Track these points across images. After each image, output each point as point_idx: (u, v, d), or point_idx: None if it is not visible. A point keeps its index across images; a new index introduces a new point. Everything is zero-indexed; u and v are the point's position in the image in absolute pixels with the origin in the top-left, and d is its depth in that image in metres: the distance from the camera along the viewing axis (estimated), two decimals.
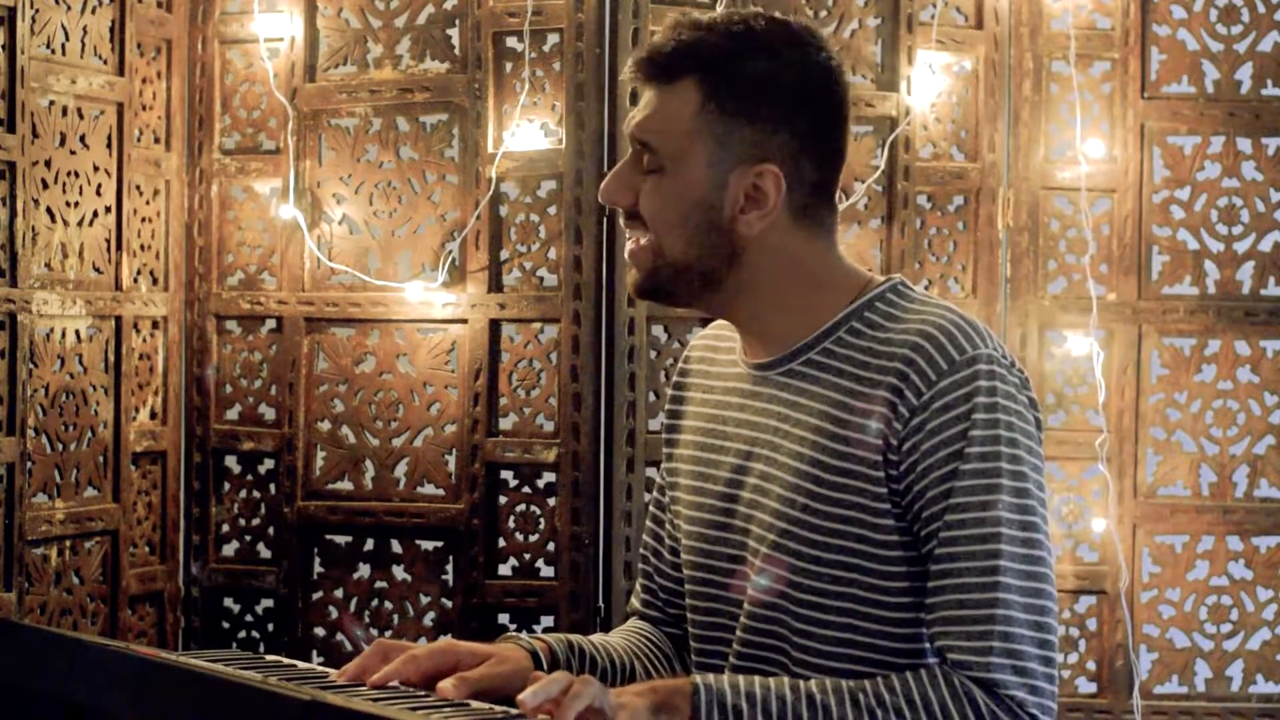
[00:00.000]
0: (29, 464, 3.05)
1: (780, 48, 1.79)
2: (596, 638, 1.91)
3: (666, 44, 1.80)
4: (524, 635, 1.82)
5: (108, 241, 3.29)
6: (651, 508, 2.03)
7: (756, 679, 1.67)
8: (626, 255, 1.84)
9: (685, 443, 1.93)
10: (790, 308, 1.81)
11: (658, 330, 3.37)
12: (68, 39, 3.17)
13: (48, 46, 3.13)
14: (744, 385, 1.86)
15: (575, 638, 1.87)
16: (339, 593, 3.49)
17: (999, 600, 1.66)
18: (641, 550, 2.03)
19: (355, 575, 3.48)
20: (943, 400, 1.70)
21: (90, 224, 3.24)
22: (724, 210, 1.78)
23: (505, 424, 3.41)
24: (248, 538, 3.53)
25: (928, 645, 1.73)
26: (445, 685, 1.63)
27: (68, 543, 3.19)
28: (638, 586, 2.04)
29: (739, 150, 1.78)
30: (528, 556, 3.40)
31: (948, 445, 1.69)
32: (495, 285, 3.40)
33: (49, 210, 3.14)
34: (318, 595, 3.50)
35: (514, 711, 1.51)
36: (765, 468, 1.80)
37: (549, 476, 3.37)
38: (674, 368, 3.36)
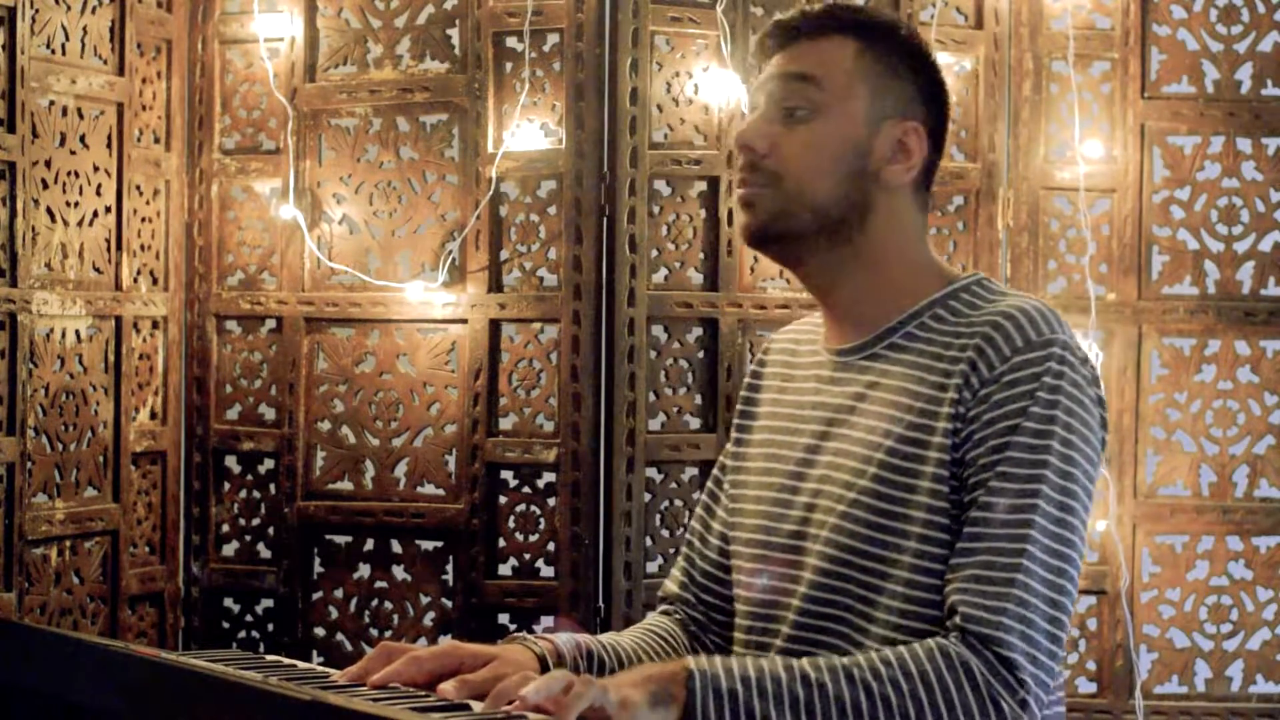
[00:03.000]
0: (29, 464, 3.04)
1: (916, 34, 1.91)
2: (606, 637, 1.90)
3: (814, 9, 1.88)
4: (530, 637, 1.81)
5: (108, 241, 3.29)
6: (704, 497, 2.05)
7: (749, 660, 1.66)
8: (740, 201, 1.85)
9: (759, 429, 1.96)
10: (888, 286, 1.86)
11: (658, 330, 3.37)
12: (68, 39, 3.17)
13: (48, 46, 3.12)
14: (825, 372, 1.90)
15: (583, 637, 1.87)
16: (339, 593, 3.49)
17: (1022, 567, 1.68)
18: (687, 535, 2.05)
19: (355, 575, 3.48)
20: (1012, 375, 1.74)
21: (90, 224, 3.24)
22: (873, 157, 1.84)
23: (505, 424, 3.41)
24: (248, 538, 3.53)
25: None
26: (447, 687, 1.62)
27: (68, 543, 3.18)
28: (676, 570, 2.05)
29: (892, 102, 1.85)
30: (528, 556, 3.40)
31: (1007, 418, 1.72)
32: (495, 285, 3.40)
33: (49, 210, 3.13)
34: (318, 595, 3.50)
35: (515, 713, 1.51)
36: (840, 444, 1.83)
37: (549, 476, 3.37)
38: (674, 367, 3.37)
